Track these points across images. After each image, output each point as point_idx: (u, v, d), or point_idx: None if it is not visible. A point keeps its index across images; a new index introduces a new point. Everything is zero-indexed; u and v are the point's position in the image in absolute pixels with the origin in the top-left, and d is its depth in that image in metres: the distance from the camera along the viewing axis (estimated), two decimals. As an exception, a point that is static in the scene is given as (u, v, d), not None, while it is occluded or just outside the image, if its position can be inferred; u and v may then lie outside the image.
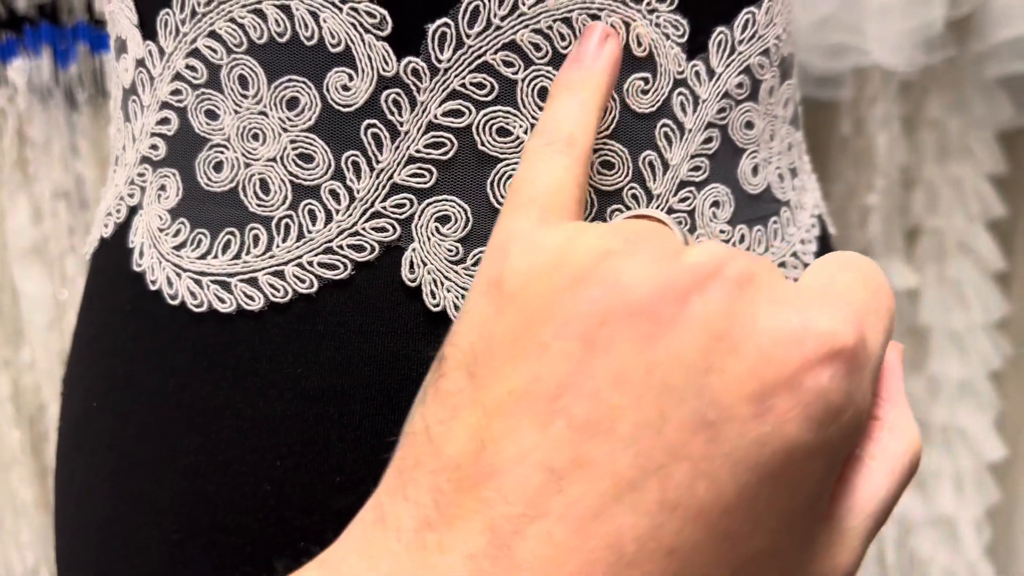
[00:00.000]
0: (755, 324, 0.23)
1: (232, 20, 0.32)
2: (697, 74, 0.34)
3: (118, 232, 0.37)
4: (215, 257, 0.34)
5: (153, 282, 0.35)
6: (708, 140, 0.35)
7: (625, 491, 0.22)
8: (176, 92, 0.34)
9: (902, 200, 0.94)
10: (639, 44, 0.33)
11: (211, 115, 0.34)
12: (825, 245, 0.42)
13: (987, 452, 0.98)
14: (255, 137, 0.33)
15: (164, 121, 0.35)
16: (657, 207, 0.34)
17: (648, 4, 0.32)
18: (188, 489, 0.34)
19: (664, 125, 0.34)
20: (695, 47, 0.34)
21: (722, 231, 0.36)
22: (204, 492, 0.34)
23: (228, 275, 0.34)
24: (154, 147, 0.35)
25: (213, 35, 0.33)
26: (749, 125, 0.36)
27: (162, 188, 0.35)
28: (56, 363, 0.87)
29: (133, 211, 0.36)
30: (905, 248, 0.96)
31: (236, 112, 0.33)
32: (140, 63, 0.35)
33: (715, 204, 0.35)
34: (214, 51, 0.33)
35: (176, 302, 0.35)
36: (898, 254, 0.95)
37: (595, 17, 0.32)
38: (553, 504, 0.22)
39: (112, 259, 0.37)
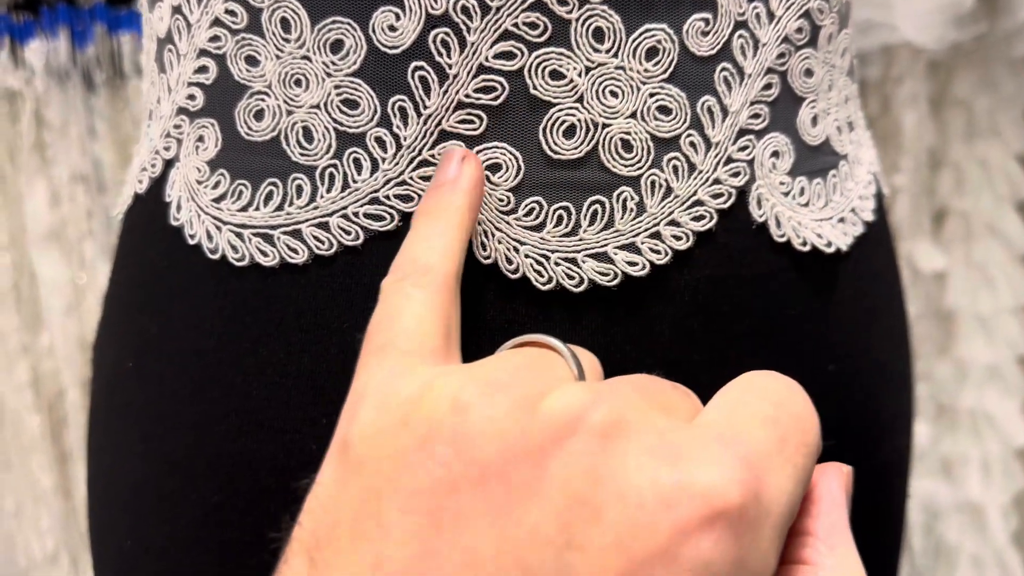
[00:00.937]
0: (622, 484, 0.20)
1: None
2: (758, 16, 0.33)
3: (153, 187, 0.36)
4: (257, 209, 0.33)
5: (192, 236, 0.34)
6: (768, 86, 0.33)
7: None
8: (215, 39, 0.33)
9: (929, 181, 0.93)
10: None
11: (251, 61, 0.32)
12: (880, 203, 0.41)
13: (1015, 437, 0.97)
14: (298, 83, 0.32)
15: (202, 69, 0.33)
16: (715, 156, 0.33)
17: None
18: (229, 450, 0.33)
19: (724, 69, 0.32)
20: None
21: (782, 182, 0.34)
22: (245, 453, 0.33)
23: (271, 227, 0.33)
24: (191, 97, 0.34)
25: None
26: (808, 72, 0.35)
27: (200, 139, 0.34)
28: (75, 348, 0.87)
29: (169, 164, 0.35)
30: (932, 230, 0.95)
31: (278, 57, 0.32)
32: (176, 10, 0.34)
33: (775, 154, 0.34)
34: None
35: (216, 256, 0.34)
36: (925, 236, 0.93)
37: None
38: None
39: (147, 215, 0.36)
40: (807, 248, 0.35)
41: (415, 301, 0.26)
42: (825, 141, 0.36)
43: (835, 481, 0.24)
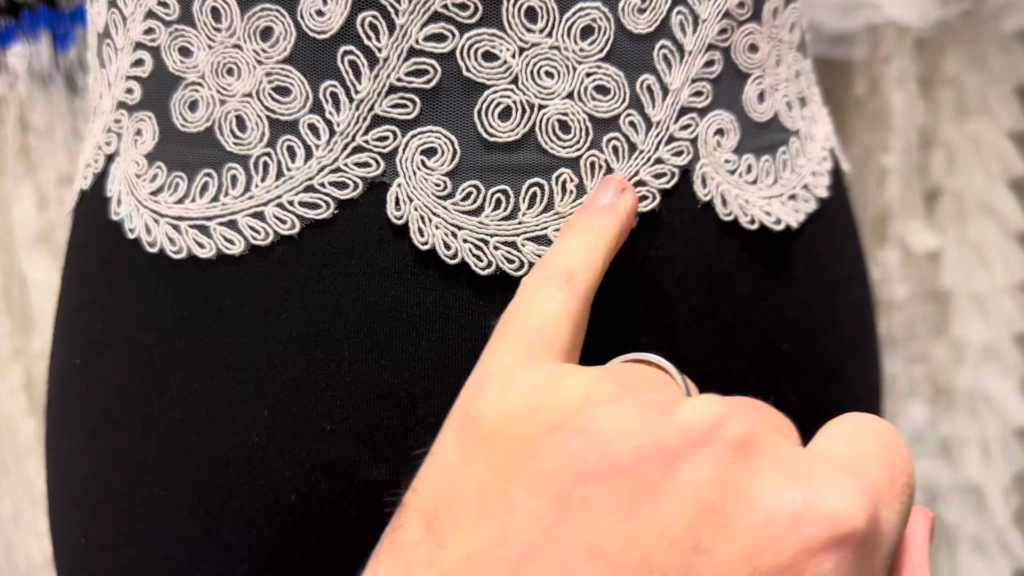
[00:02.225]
0: (752, 498, 0.21)
1: None
2: None
3: (96, 182, 0.36)
4: (193, 201, 0.33)
5: (131, 230, 0.34)
6: (710, 63, 0.33)
7: None
8: (149, 31, 0.33)
9: (921, 161, 0.92)
10: None
11: (185, 52, 0.33)
12: (838, 179, 0.41)
13: (1013, 417, 0.97)
14: (230, 72, 0.32)
15: (138, 63, 0.34)
16: (657, 135, 0.32)
17: None
18: (173, 444, 0.33)
19: (663, 46, 0.32)
20: None
21: (728, 160, 0.34)
22: (189, 445, 0.33)
23: (207, 219, 0.33)
24: (129, 91, 0.34)
25: None
26: (753, 48, 0.35)
27: (138, 133, 0.34)
28: (67, 351, 0.88)
29: (110, 159, 0.36)
30: (925, 210, 0.94)
31: (210, 47, 0.32)
32: (112, 3, 0.34)
33: (719, 132, 0.34)
34: None
35: (155, 249, 0.34)
36: (918, 216, 0.93)
37: None
38: None
39: (91, 210, 0.37)
40: (755, 226, 0.35)
41: (554, 301, 0.27)
42: (774, 117, 0.36)
43: (921, 524, 0.25)
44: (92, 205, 0.37)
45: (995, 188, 0.93)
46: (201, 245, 0.33)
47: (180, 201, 0.33)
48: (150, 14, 0.33)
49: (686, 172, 0.33)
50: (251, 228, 0.32)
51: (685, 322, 0.34)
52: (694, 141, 0.33)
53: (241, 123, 0.32)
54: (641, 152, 0.33)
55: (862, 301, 0.42)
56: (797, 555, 0.20)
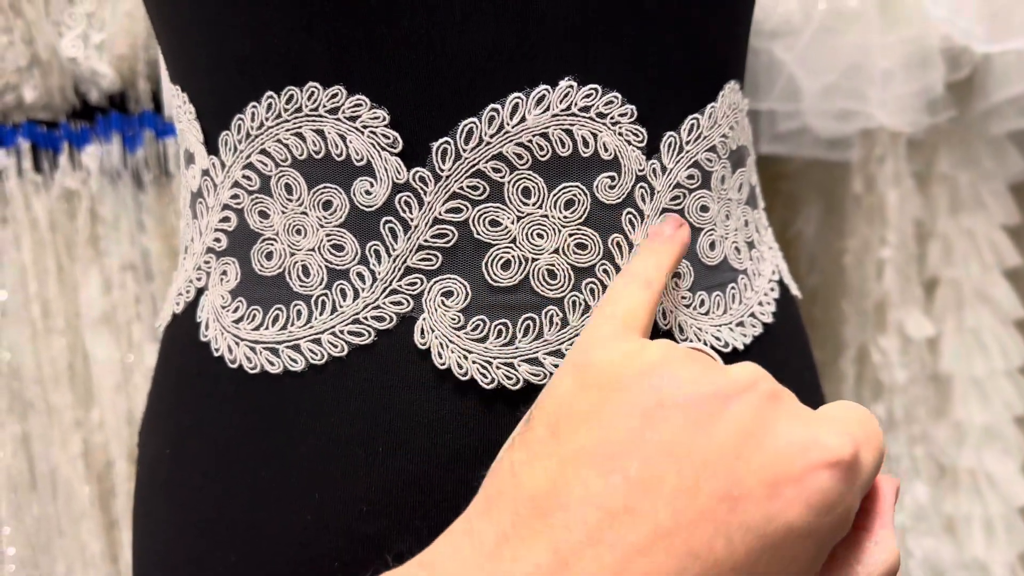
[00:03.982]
0: (776, 430, 0.30)
1: (278, 141, 0.40)
2: (654, 170, 0.41)
3: (187, 309, 0.45)
4: (266, 328, 0.41)
5: (216, 349, 0.42)
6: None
7: (662, 537, 0.28)
8: (235, 196, 0.42)
9: (918, 252, 0.98)
10: (606, 150, 0.39)
11: (263, 215, 0.41)
12: (786, 304, 0.49)
13: (1017, 496, 0.99)
14: (298, 232, 0.41)
15: (225, 219, 0.42)
16: None
17: (612, 118, 0.39)
18: (243, 519, 0.40)
19: (628, 212, 0.40)
20: (651, 148, 0.40)
21: (684, 297, 0.42)
22: (256, 521, 0.40)
23: (276, 343, 0.41)
24: (217, 240, 0.43)
25: (264, 152, 0.40)
26: (704, 208, 0.43)
27: (223, 273, 0.42)
28: (123, 423, 0.94)
29: (200, 292, 0.44)
30: (924, 298, 0.99)
31: (283, 213, 0.40)
32: (205, 172, 0.43)
33: (676, 275, 0.42)
34: (265, 164, 0.40)
35: (235, 365, 0.42)
36: (917, 305, 0.98)
37: (568, 132, 0.39)
38: (606, 536, 0.28)
39: (183, 331, 0.45)
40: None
41: (639, 298, 0.36)
42: (723, 261, 0.44)
43: (889, 485, 0.34)
44: (184, 326, 0.45)
45: (990, 277, 0.98)
46: (271, 363, 0.41)
47: (256, 329, 0.41)
48: (236, 184, 0.41)
49: None
50: (310, 351, 0.40)
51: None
52: None
53: (306, 270, 0.41)
54: None
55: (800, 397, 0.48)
56: (805, 468, 0.29)
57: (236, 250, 0.43)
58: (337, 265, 0.40)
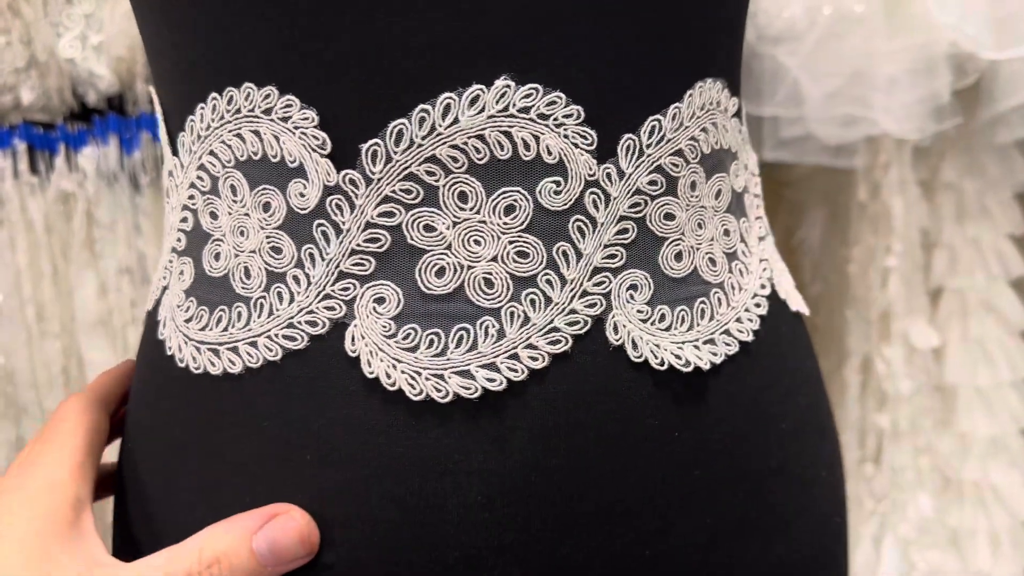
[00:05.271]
0: None
1: (223, 142, 0.39)
2: (608, 175, 0.39)
3: (155, 307, 0.46)
4: (210, 329, 0.41)
5: (169, 348, 0.43)
6: (624, 231, 0.39)
7: None
8: (191, 197, 0.42)
9: (923, 261, 0.97)
10: (549, 153, 0.38)
11: (213, 216, 0.41)
12: (777, 322, 0.46)
13: (1022, 509, 0.99)
14: (241, 233, 0.40)
15: (184, 219, 0.42)
16: (571, 291, 0.39)
17: (555, 120, 0.37)
18: (183, 519, 0.42)
19: (577, 220, 0.38)
20: (605, 152, 0.38)
21: (640, 311, 0.40)
22: (191, 524, 0.40)
23: (218, 344, 0.41)
24: (178, 239, 0.43)
25: (212, 153, 0.40)
26: (669, 216, 0.40)
27: (181, 273, 0.43)
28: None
29: (164, 290, 0.45)
30: (929, 308, 0.98)
31: (229, 214, 0.40)
32: (171, 173, 0.43)
33: (633, 287, 0.40)
34: (213, 165, 0.40)
35: (183, 365, 0.42)
36: (922, 314, 0.97)
37: (506, 134, 0.37)
38: None
39: (149, 328, 0.46)
40: (664, 367, 0.40)
41: None
42: (692, 273, 0.42)
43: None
44: (151, 324, 0.46)
45: (996, 287, 0.97)
46: (213, 364, 0.41)
47: (202, 329, 0.41)
48: (191, 184, 0.41)
49: (600, 320, 0.39)
50: (247, 353, 0.40)
51: (596, 445, 0.39)
52: (607, 295, 0.39)
53: (247, 272, 0.41)
54: (556, 304, 0.39)
55: (800, 431, 0.46)
56: None
57: (192, 250, 0.43)
58: (275, 268, 0.40)
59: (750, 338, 0.43)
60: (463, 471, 0.38)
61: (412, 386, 0.38)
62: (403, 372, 0.38)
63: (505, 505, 0.38)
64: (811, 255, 1.02)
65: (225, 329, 0.41)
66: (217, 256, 0.41)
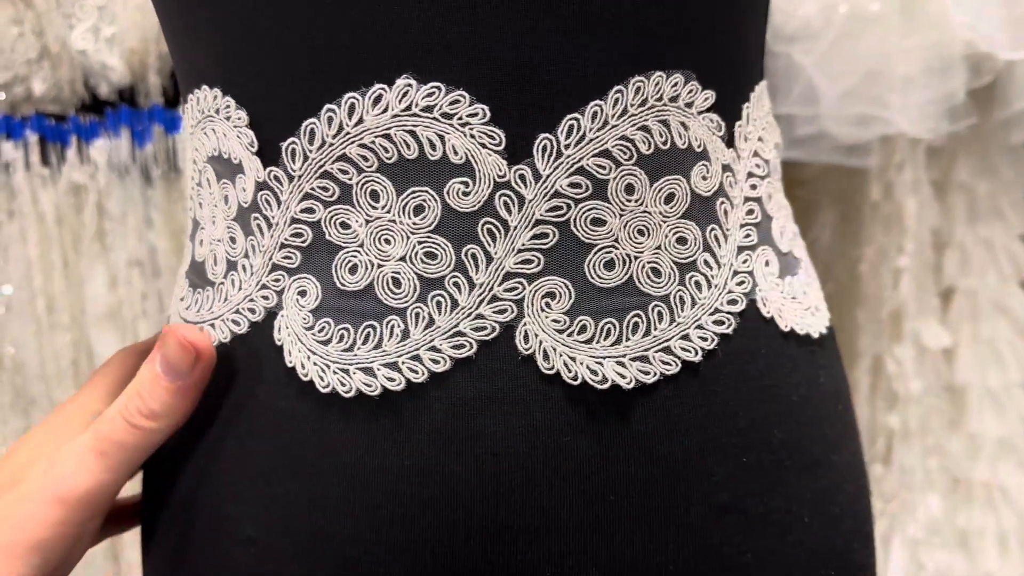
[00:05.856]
0: None
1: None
2: (522, 177, 0.37)
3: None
4: (359, 348, 0.39)
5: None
6: (542, 236, 0.38)
7: None
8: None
9: (935, 262, 0.97)
10: (456, 153, 0.37)
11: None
12: (749, 343, 0.41)
13: (1031, 511, 0.98)
14: (212, 222, 0.41)
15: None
16: (479, 295, 0.38)
17: (459, 119, 0.37)
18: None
19: (487, 223, 0.38)
20: (520, 152, 0.37)
21: (556, 320, 0.38)
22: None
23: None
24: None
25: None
26: (597, 222, 0.38)
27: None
28: (127, 420, 0.93)
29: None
30: (940, 308, 0.98)
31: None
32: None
33: (549, 295, 0.38)
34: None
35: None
36: (933, 314, 0.97)
37: (411, 133, 0.37)
38: None
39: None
40: (578, 382, 0.38)
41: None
42: (626, 283, 0.39)
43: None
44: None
45: (1008, 288, 0.96)
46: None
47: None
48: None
49: (510, 327, 0.38)
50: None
51: (496, 458, 0.38)
52: (519, 302, 0.38)
53: (215, 259, 0.42)
54: (463, 307, 0.38)
55: (762, 465, 0.41)
56: None
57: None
58: (232, 256, 0.42)
59: (698, 358, 0.39)
60: (365, 468, 0.38)
61: (321, 378, 0.39)
62: (315, 364, 0.39)
63: (399, 506, 0.38)
64: (822, 255, 1.02)
65: (199, 310, 0.43)
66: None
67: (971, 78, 0.84)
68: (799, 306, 0.44)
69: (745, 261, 0.42)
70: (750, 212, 0.43)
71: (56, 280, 0.90)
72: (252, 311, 0.41)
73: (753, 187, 0.44)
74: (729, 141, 0.42)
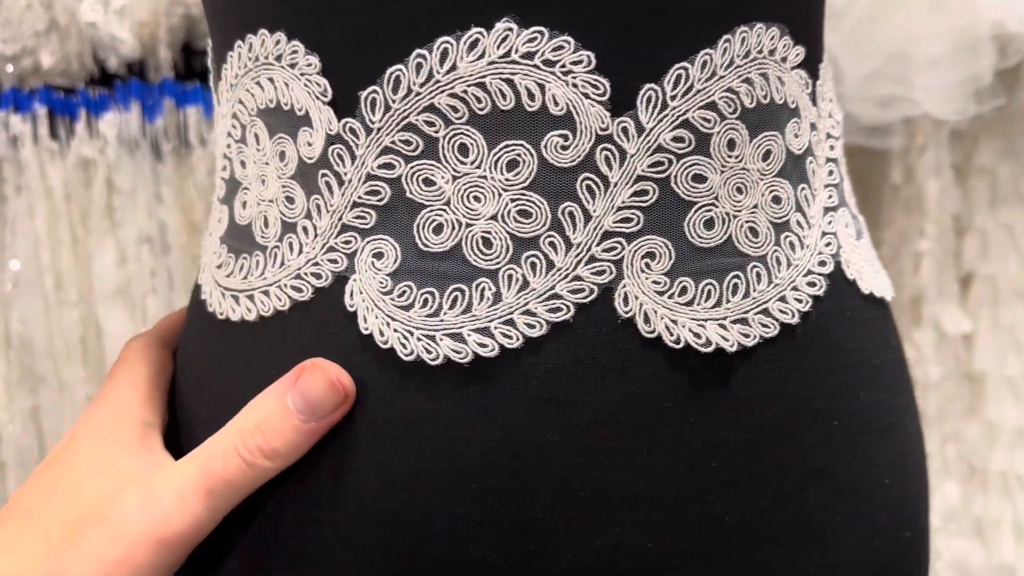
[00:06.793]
0: None
1: (247, 90, 0.37)
2: (624, 130, 0.35)
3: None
4: (234, 276, 0.39)
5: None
6: (642, 193, 0.36)
7: None
8: (228, 145, 0.39)
9: (955, 246, 0.95)
10: (556, 103, 0.35)
11: (242, 164, 0.38)
12: (840, 306, 0.41)
13: (1047, 500, 0.98)
14: (263, 182, 0.38)
15: (224, 167, 0.39)
16: (576, 255, 0.36)
17: (562, 67, 0.34)
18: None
19: (587, 179, 0.36)
20: (622, 104, 0.35)
21: (656, 281, 0.37)
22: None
23: (239, 290, 0.39)
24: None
25: (240, 102, 0.37)
26: (699, 178, 0.37)
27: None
28: (135, 399, 0.92)
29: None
30: (959, 294, 0.97)
31: (255, 163, 0.37)
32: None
33: (649, 255, 0.36)
34: (242, 113, 0.37)
35: (211, 310, 0.39)
36: (952, 299, 0.96)
37: (508, 82, 0.35)
38: None
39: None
40: (680, 345, 0.37)
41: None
42: (726, 243, 0.38)
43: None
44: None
45: (1028, 275, 0.95)
46: (234, 310, 0.39)
47: (228, 276, 0.39)
48: (228, 133, 0.38)
49: (608, 289, 0.36)
50: (261, 302, 0.38)
51: (596, 425, 0.36)
52: (618, 262, 0.36)
53: (266, 221, 0.39)
54: (559, 269, 0.36)
55: (857, 431, 0.41)
56: None
57: (228, 198, 0.42)
58: (289, 218, 0.39)
59: (795, 320, 0.39)
60: (451, 438, 0.36)
61: (404, 346, 0.36)
62: (396, 331, 0.36)
63: (490, 479, 0.36)
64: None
65: (245, 277, 0.40)
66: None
67: (999, 59, 0.82)
68: (872, 269, 0.44)
69: (830, 222, 0.41)
70: (831, 173, 0.43)
71: (64, 256, 0.89)
72: (318, 276, 0.38)
73: (831, 147, 0.43)
74: (813, 99, 0.41)
